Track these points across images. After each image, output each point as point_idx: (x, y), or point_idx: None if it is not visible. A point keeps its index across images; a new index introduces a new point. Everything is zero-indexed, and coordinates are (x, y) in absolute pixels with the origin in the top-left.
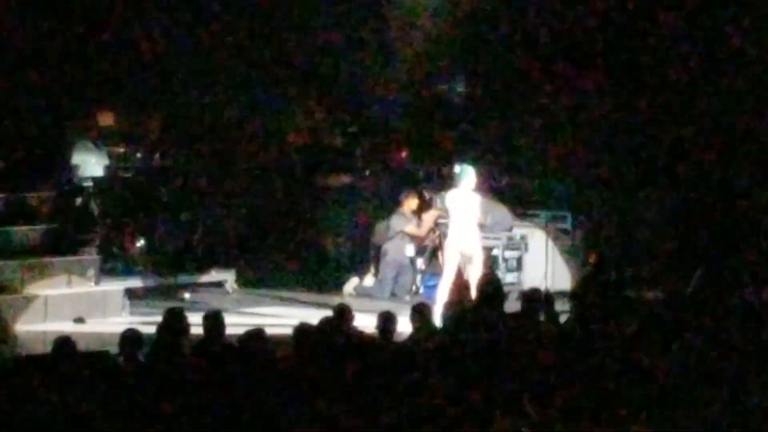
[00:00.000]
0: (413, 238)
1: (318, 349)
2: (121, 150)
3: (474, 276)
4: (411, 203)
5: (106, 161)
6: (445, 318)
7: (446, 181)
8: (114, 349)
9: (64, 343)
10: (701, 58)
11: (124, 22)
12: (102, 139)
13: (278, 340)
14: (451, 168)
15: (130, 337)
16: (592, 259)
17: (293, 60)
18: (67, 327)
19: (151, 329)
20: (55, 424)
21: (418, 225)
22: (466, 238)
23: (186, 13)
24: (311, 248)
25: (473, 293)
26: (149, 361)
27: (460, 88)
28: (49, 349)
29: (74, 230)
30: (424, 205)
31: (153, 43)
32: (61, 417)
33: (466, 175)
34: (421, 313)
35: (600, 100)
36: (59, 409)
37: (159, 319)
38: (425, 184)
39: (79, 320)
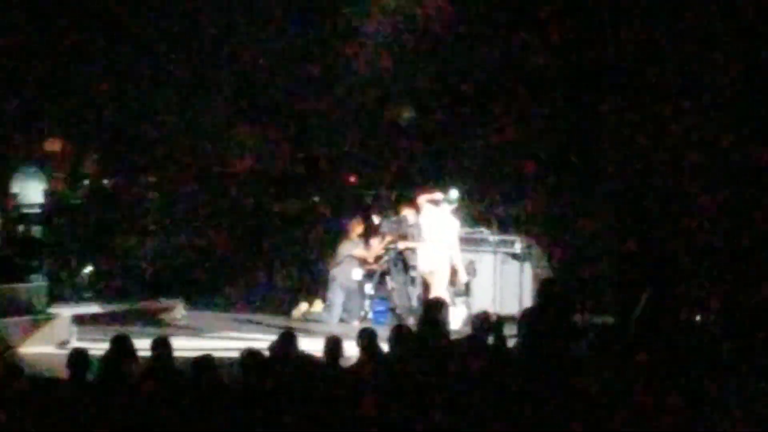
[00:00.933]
0: (361, 261)
1: (265, 374)
2: (68, 176)
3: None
4: (357, 228)
5: (46, 187)
6: (391, 342)
7: (394, 205)
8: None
9: (12, 368)
10: (643, 89)
11: (71, 51)
12: (48, 166)
13: (226, 365)
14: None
15: (76, 357)
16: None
17: (241, 86)
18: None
19: (100, 354)
20: None
21: (366, 249)
22: (438, 260)
23: (131, 42)
24: (260, 274)
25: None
26: (97, 386)
27: (408, 112)
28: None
29: (22, 257)
30: (372, 230)
31: (100, 71)
32: None
33: (451, 197)
34: (368, 337)
35: (550, 127)
36: None
37: (106, 345)
38: (374, 208)
39: (7, 348)
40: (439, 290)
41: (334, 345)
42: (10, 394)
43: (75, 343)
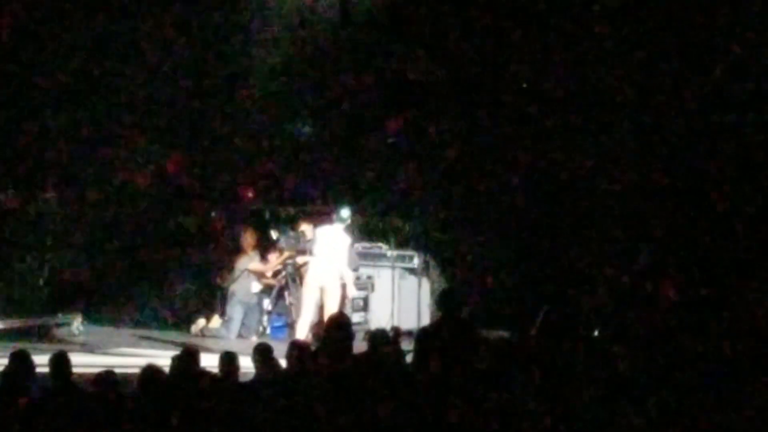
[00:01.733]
0: (258, 275)
1: (166, 390)
2: None
3: (329, 313)
4: (249, 240)
5: None
6: (290, 358)
7: (292, 221)
8: None
9: None
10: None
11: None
12: None
13: (125, 380)
14: (331, 208)
15: None
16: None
17: (137, 99)
18: None
19: None
20: None
21: (262, 262)
22: (329, 276)
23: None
24: (158, 289)
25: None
26: None
27: (307, 128)
28: None
29: None
30: (270, 245)
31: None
32: None
33: (343, 216)
34: (262, 353)
35: (448, 137)
36: None
37: (4, 361)
38: (272, 223)
39: None
40: (332, 306)
41: (229, 362)
42: None
43: None
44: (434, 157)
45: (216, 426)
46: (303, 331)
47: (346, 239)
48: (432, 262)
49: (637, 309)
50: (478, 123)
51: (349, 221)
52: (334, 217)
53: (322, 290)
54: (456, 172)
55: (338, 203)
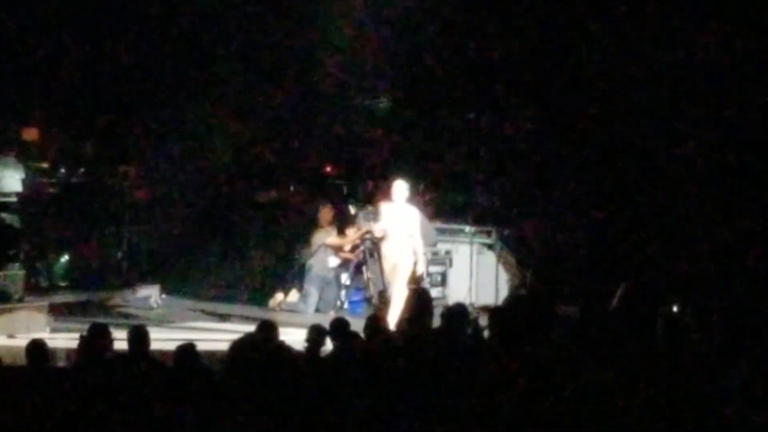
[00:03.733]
0: (335, 249)
1: (250, 364)
2: (45, 165)
3: (397, 290)
4: (326, 215)
5: (22, 176)
6: (366, 332)
7: (370, 196)
8: None
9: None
10: (627, 79)
11: (50, 39)
12: (24, 155)
13: (205, 355)
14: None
15: (34, 349)
16: (517, 273)
17: (218, 74)
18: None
19: (75, 344)
20: None
21: (339, 237)
22: (399, 251)
23: (110, 30)
24: (237, 263)
25: (394, 307)
26: (74, 375)
27: (385, 103)
28: None
29: None
30: (348, 220)
31: (78, 59)
32: None
33: (398, 188)
34: (339, 327)
35: (525, 114)
36: None
37: (83, 334)
38: (350, 199)
39: (11, 336)
40: (403, 282)
41: (317, 334)
42: None
43: (51, 333)
44: (512, 132)
45: (296, 401)
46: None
47: (414, 213)
48: (511, 238)
49: (716, 285)
50: (555, 100)
51: (406, 194)
52: (392, 192)
53: (394, 267)
54: (533, 147)
55: (400, 178)
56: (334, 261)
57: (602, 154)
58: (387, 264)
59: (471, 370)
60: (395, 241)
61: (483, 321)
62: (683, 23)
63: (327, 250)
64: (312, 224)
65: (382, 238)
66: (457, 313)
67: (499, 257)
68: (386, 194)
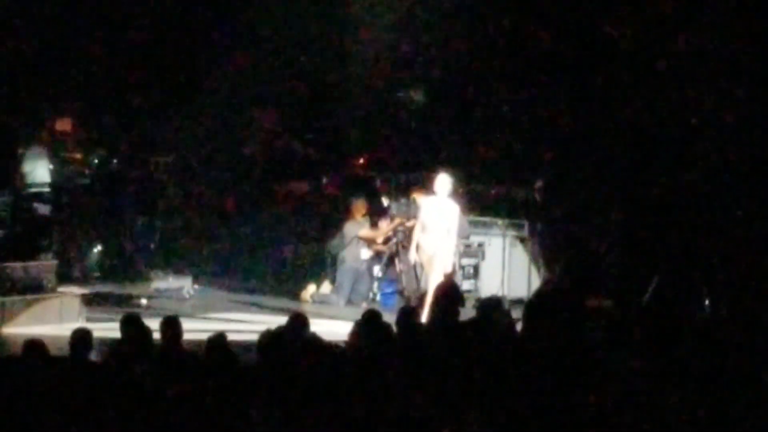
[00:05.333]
0: (368, 241)
1: (282, 355)
2: (77, 156)
3: (433, 283)
4: (360, 209)
5: (55, 166)
6: (399, 324)
7: (404, 189)
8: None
9: (33, 346)
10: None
11: (82, 28)
12: (58, 146)
13: (236, 346)
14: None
15: (80, 337)
16: (551, 267)
17: (250, 66)
18: (23, 331)
19: (107, 335)
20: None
21: (372, 229)
22: (436, 244)
23: (140, 21)
24: (270, 254)
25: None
26: (105, 365)
27: (419, 95)
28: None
29: (31, 236)
30: (381, 212)
31: (110, 50)
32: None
33: (441, 182)
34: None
35: (559, 108)
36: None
37: (115, 325)
38: (382, 191)
39: None
40: (435, 276)
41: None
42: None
43: (84, 323)
44: (547, 125)
45: (327, 392)
46: None
47: (454, 209)
48: (544, 231)
49: (752, 284)
50: (592, 92)
51: (442, 185)
52: (435, 185)
53: (430, 259)
54: (568, 141)
55: (444, 171)
56: (366, 253)
57: (637, 148)
58: (424, 256)
59: (503, 363)
60: (433, 233)
61: (515, 314)
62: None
63: (359, 242)
64: (344, 216)
65: (412, 228)
66: (492, 305)
67: (530, 250)
68: (421, 187)
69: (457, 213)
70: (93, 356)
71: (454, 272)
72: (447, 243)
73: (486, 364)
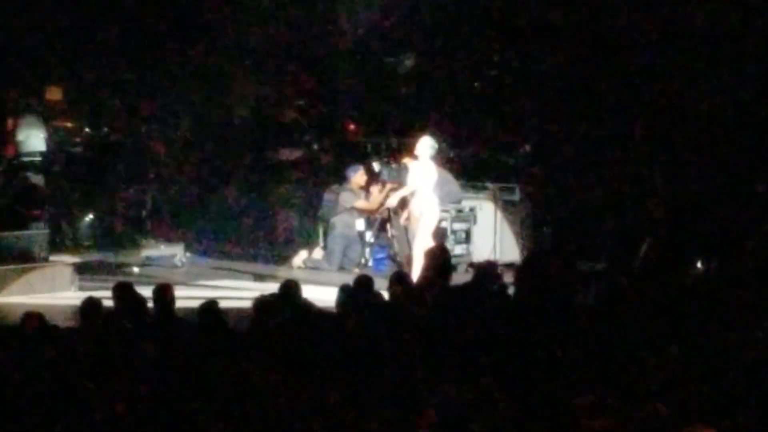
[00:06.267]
0: (363, 212)
1: (273, 322)
2: (69, 125)
3: (418, 245)
4: (359, 179)
5: (47, 135)
6: (391, 289)
7: (394, 154)
8: (62, 324)
9: (32, 316)
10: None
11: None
12: (49, 114)
13: (229, 313)
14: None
15: (90, 305)
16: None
17: (241, 33)
18: (16, 301)
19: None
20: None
21: (367, 199)
22: (420, 207)
23: None
24: (260, 222)
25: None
26: (102, 334)
27: (409, 60)
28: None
29: (22, 205)
30: (373, 178)
31: (102, 19)
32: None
33: (422, 145)
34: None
35: (549, 70)
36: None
37: (108, 294)
38: (374, 156)
39: None
40: (425, 235)
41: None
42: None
43: (76, 292)
44: (538, 90)
45: (320, 358)
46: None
47: (430, 166)
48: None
49: (746, 242)
50: (580, 56)
51: (431, 152)
52: (416, 148)
53: (416, 221)
54: (557, 104)
55: (426, 135)
56: (360, 224)
57: (626, 109)
58: (412, 218)
59: (497, 327)
60: (417, 196)
61: (507, 278)
62: None
63: (353, 212)
64: (336, 182)
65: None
66: (488, 270)
67: (521, 214)
68: (411, 151)
69: (434, 176)
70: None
71: (445, 236)
72: (431, 205)
73: (479, 328)
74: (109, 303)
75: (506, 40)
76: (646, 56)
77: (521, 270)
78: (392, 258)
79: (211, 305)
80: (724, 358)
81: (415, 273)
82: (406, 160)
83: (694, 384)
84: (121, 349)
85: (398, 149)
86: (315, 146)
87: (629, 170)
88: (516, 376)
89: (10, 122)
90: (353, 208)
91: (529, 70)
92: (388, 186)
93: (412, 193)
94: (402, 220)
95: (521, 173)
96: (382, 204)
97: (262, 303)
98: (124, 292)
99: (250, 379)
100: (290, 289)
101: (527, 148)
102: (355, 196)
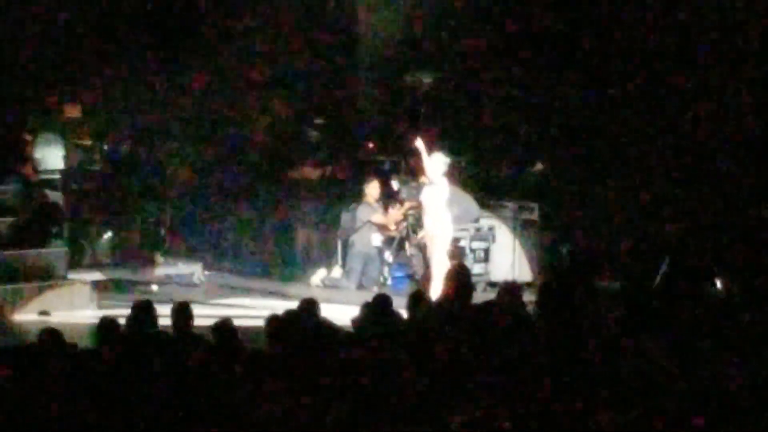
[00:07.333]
0: (380, 227)
1: (289, 340)
2: (88, 143)
3: (436, 263)
4: (373, 191)
5: (65, 153)
6: (409, 308)
7: (413, 172)
8: (81, 342)
9: (50, 334)
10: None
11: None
12: (68, 132)
13: (247, 332)
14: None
15: (107, 325)
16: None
17: (260, 52)
18: (34, 319)
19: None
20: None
21: (384, 214)
22: (432, 226)
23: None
24: (279, 240)
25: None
26: (121, 352)
27: (428, 79)
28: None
29: (41, 223)
30: (391, 196)
31: (120, 36)
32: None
33: (435, 162)
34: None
35: (568, 90)
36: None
37: (127, 311)
38: (392, 174)
39: (44, 313)
40: (440, 253)
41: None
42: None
43: (95, 310)
44: (556, 108)
45: (338, 377)
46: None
47: (443, 185)
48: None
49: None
50: (600, 75)
51: (444, 169)
52: (430, 166)
53: (431, 239)
54: (578, 123)
55: (438, 152)
56: (377, 239)
57: (645, 130)
58: (427, 237)
59: (518, 345)
60: (432, 214)
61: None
62: None
63: (371, 227)
64: (356, 200)
65: (420, 209)
66: (512, 290)
67: (539, 233)
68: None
69: (446, 194)
70: None
71: (464, 255)
72: (443, 223)
73: (501, 348)
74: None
75: (526, 60)
76: (666, 75)
77: (544, 289)
78: (411, 277)
79: (224, 324)
80: (745, 377)
81: (434, 292)
82: (424, 179)
83: (715, 402)
84: (137, 368)
85: (417, 167)
86: (333, 165)
87: (648, 189)
88: (537, 395)
89: (28, 140)
90: (370, 224)
91: (548, 89)
92: (407, 204)
93: (426, 212)
94: (419, 238)
95: (540, 192)
96: (399, 221)
97: (276, 321)
98: (143, 310)
99: (266, 399)
100: (309, 307)
101: (545, 166)
102: (372, 209)
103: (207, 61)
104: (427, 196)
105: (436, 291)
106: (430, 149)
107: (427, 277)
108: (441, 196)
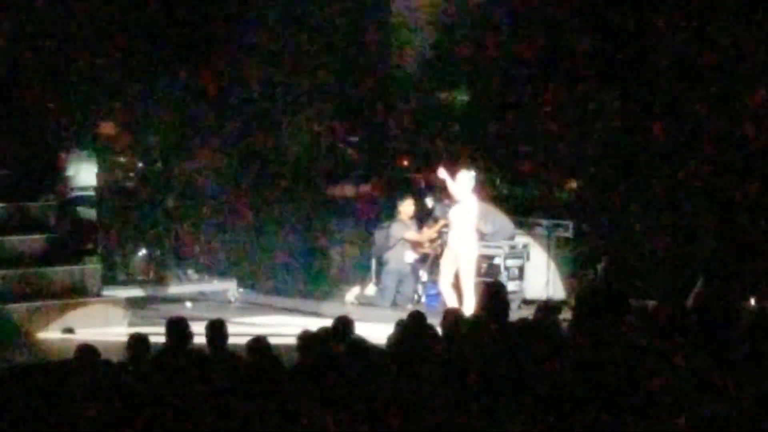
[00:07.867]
0: (414, 245)
1: (322, 358)
2: (121, 159)
3: (464, 281)
4: (407, 209)
5: (99, 170)
6: (445, 326)
7: (446, 190)
8: (114, 359)
9: (86, 350)
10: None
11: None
12: (102, 149)
13: (281, 349)
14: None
15: (138, 341)
16: (598, 266)
17: (296, 68)
18: (65, 336)
19: (153, 339)
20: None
21: (418, 232)
22: (457, 243)
23: (186, 21)
24: (314, 257)
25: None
26: (154, 370)
27: (462, 96)
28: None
29: (76, 239)
30: (425, 213)
31: (153, 51)
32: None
33: (462, 179)
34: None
35: (604, 108)
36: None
37: (160, 329)
38: (426, 192)
39: (68, 330)
40: (469, 271)
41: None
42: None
43: (128, 327)
44: (592, 126)
45: (372, 395)
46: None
47: (472, 202)
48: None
49: None
50: (635, 94)
51: (471, 185)
52: (457, 183)
53: (455, 257)
54: (613, 141)
55: (465, 169)
56: (411, 256)
57: (681, 149)
58: (449, 253)
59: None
60: (457, 230)
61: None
62: None
63: (405, 244)
64: (388, 218)
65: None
66: (549, 309)
67: (574, 251)
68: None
69: (476, 211)
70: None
71: (498, 272)
72: (470, 240)
73: (538, 366)
74: (161, 339)
75: (560, 77)
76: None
77: (578, 308)
78: None
79: (259, 341)
80: None
81: (466, 309)
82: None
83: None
84: (172, 386)
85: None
86: (368, 182)
87: (682, 207)
88: (574, 413)
89: (62, 157)
90: (404, 241)
91: (584, 107)
92: (441, 222)
93: (452, 228)
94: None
95: (574, 210)
96: (433, 239)
97: (308, 338)
98: (177, 327)
99: (301, 417)
100: (343, 325)
101: (570, 184)
102: (406, 227)
103: (242, 79)
104: (454, 213)
105: (468, 308)
106: (453, 174)
107: (459, 295)
108: (469, 213)
